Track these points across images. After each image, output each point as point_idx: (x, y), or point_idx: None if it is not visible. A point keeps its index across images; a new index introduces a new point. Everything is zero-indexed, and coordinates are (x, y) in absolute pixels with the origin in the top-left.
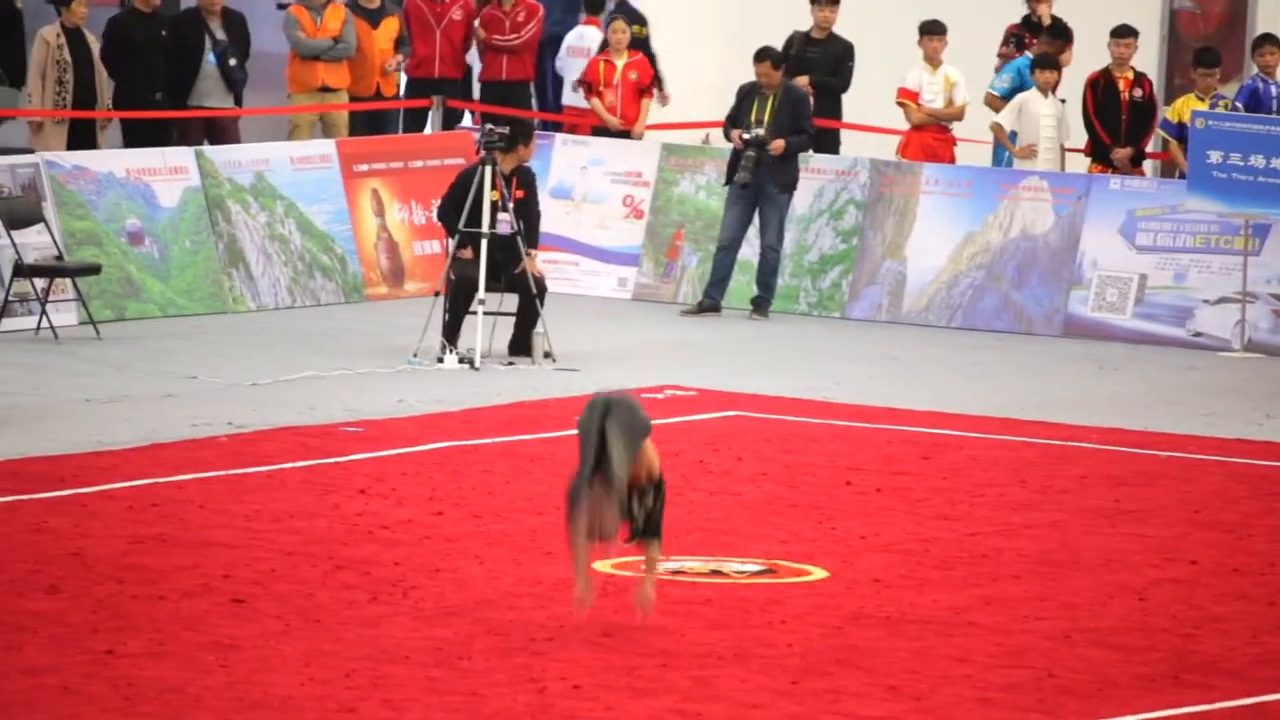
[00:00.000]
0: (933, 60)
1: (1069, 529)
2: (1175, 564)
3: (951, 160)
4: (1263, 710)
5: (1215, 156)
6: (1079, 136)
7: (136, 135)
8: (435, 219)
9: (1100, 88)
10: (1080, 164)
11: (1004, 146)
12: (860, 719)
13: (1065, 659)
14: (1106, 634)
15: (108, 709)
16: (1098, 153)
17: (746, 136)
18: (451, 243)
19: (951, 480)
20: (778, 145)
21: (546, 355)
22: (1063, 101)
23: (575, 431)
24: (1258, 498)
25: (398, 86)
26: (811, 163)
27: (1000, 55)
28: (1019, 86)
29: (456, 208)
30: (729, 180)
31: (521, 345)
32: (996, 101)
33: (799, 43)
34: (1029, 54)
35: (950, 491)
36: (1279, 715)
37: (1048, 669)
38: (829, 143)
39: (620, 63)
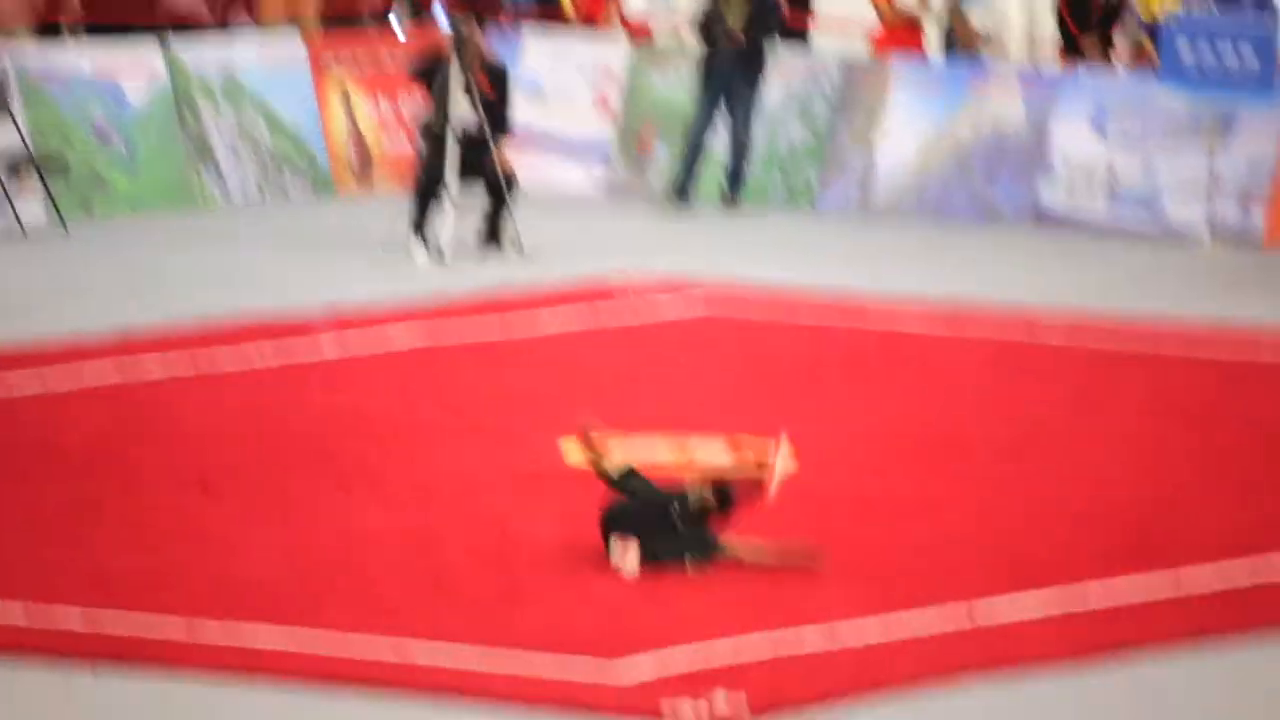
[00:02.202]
0: None
1: (1037, 417)
2: (1140, 452)
3: (920, 54)
4: (1228, 577)
5: (1185, 47)
6: (1047, 29)
7: (100, 28)
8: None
9: None
10: (1049, 57)
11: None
12: (826, 593)
13: (1031, 535)
14: (1073, 518)
15: (79, 594)
16: (1067, 45)
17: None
18: (419, 137)
19: (920, 370)
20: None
21: (516, 247)
22: None
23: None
24: (1223, 385)
25: None
26: (782, 57)
27: None
28: None
29: (425, 101)
30: (702, 73)
31: (491, 237)
32: None
33: None
34: None
35: (918, 381)
36: (1244, 585)
37: (1015, 548)
38: (799, 36)
39: None
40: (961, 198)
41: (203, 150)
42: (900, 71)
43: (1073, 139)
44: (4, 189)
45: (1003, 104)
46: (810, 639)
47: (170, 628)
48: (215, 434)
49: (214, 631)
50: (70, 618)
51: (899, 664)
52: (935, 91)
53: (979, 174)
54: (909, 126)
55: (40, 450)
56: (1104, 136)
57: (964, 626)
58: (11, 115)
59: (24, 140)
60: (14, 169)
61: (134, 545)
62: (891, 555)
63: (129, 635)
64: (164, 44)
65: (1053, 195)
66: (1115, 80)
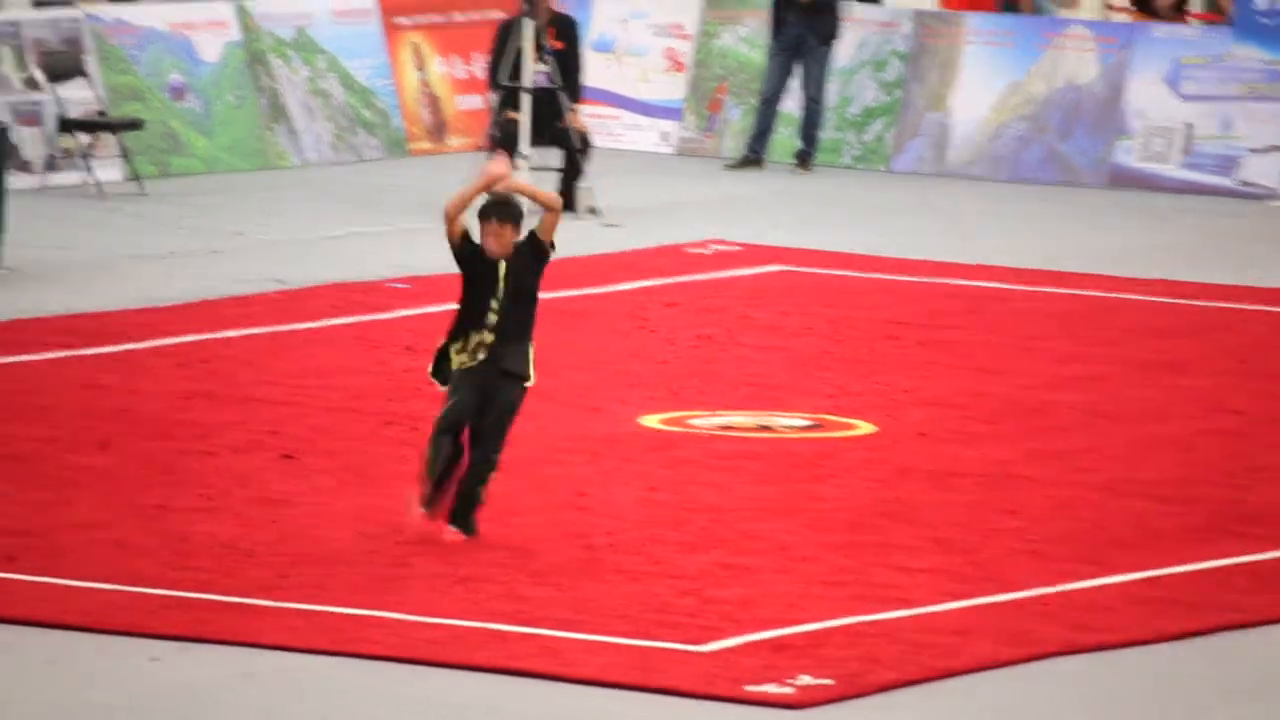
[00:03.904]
0: None
1: (1115, 381)
2: (1221, 414)
3: (993, 9)
4: None
5: (1261, 2)
6: None
7: None
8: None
9: None
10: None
11: None
12: (909, 572)
13: (1113, 511)
14: (1154, 485)
15: (160, 563)
16: (1141, 1)
17: None
18: (493, 97)
19: (997, 334)
20: None
21: (591, 210)
22: None
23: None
24: None
25: None
26: (854, 14)
27: None
28: None
29: (496, 63)
30: (773, 33)
31: (566, 200)
32: None
33: None
34: None
35: (996, 345)
36: None
37: (1096, 521)
38: None
39: None
40: (1036, 156)
41: (276, 108)
42: (973, 26)
43: (1148, 96)
44: (81, 148)
45: (1077, 60)
46: (895, 619)
47: (250, 596)
48: (294, 399)
49: (294, 601)
50: (152, 586)
51: (984, 643)
52: (1008, 46)
53: (1053, 132)
54: (982, 83)
55: (119, 415)
56: (1179, 93)
57: (1049, 605)
58: (87, 75)
59: (99, 100)
60: (91, 129)
61: (214, 512)
62: (974, 529)
63: (210, 602)
64: (237, 0)
65: (1128, 153)
66: (1190, 36)
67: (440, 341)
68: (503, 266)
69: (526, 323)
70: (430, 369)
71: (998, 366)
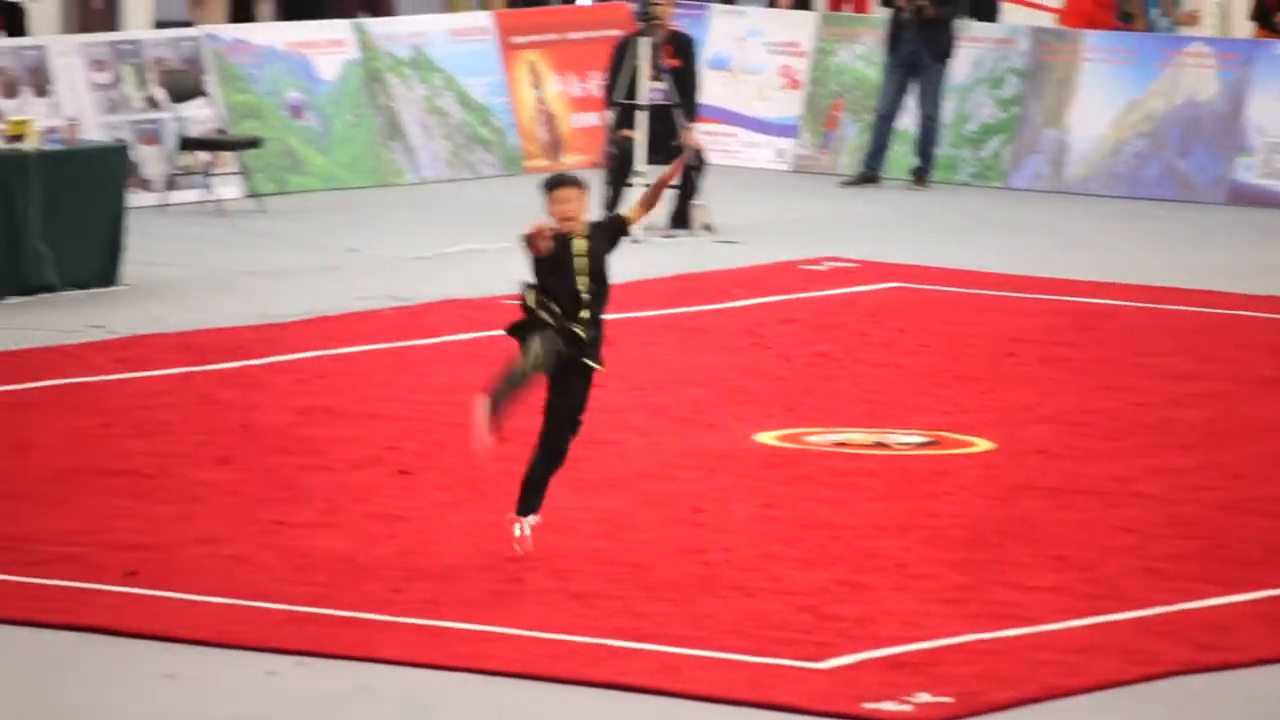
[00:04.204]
0: None
1: (1234, 398)
2: None
3: (1112, 26)
4: None
5: None
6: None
7: (293, 7)
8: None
9: None
10: (1245, 29)
11: (1165, 11)
12: (1027, 589)
13: (1234, 529)
14: (1275, 502)
15: (279, 578)
16: (1262, 17)
17: None
18: (608, 115)
19: (1115, 350)
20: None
21: (706, 227)
22: None
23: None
24: None
25: None
26: (971, 31)
27: None
28: None
29: (613, 80)
30: (888, 50)
31: (681, 217)
32: None
33: None
34: None
35: (1114, 361)
36: None
37: (1216, 538)
38: (987, 11)
39: None
40: (1154, 173)
41: (393, 126)
42: (1092, 44)
43: (1268, 113)
44: (200, 166)
45: (1197, 77)
46: (1014, 637)
47: (367, 611)
48: (411, 415)
49: (410, 616)
50: (270, 600)
51: (1105, 662)
52: (1127, 64)
53: (1172, 149)
54: (1101, 100)
55: (239, 431)
56: None
57: (1171, 624)
58: (207, 94)
59: (219, 118)
60: (210, 147)
61: (332, 527)
62: (1093, 546)
63: (327, 616)
64: (355, 20)
65: (1248, 170)
66: None
67: (523, 312)
68: (581, 245)
69: (604, 305)
70: (510, 326)
71: (1115, 383)
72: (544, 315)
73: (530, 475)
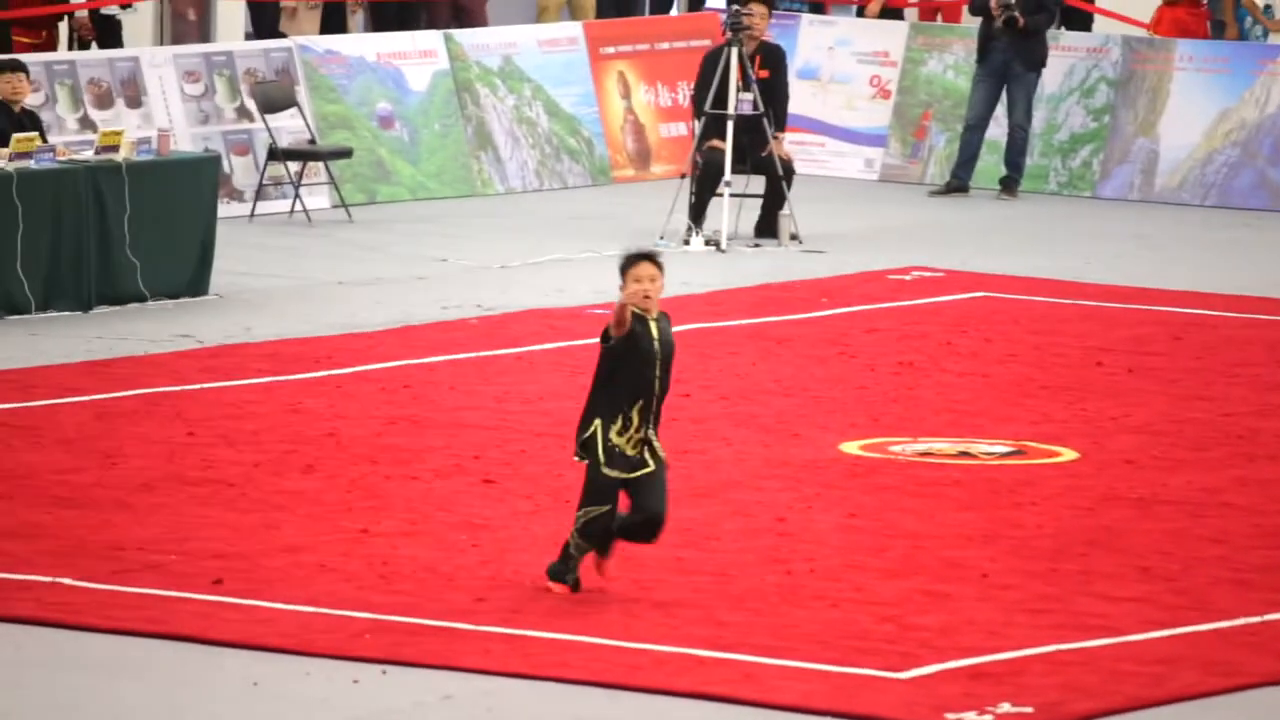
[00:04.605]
0: None
1: None
2: None
3: (1204, 35)
4: None
5: None
6: None
7: (384, 19)
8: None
9: None
10: None
11: (1257, 20)
12: (1112, 600)
13: None
14: None
15: (364, 587)
16: None
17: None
18: (696, 125)
19: (1205, 360)
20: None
21: (793, 237)
22: None
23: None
24: None
25: None
26: (1062, 40)
27: None
28: None
29: (702, 91)
30: (979, 59)
31: (768, 227)
32: None
33: None
34: None
35: (1204, 372)
36: None
37: None
38: (1080, 20)
39: None
40: (1246, 182)
41: (482, 136)
42: (1184, 53)
43: None
44: (290, 176)
45: None
46: (1098, 647)
47: (450, 620)
48: (496, 424)
49: (493, 625)
50: (354, 609)
51: (1189, 673)
52: (1219, 72)
53: (1264, 158)
54: (1193, 109)
55: (325, 440)
56: None
57: (1255, 635)
58: (297, 104)
59: (309, 127)
60: (300, 157)
61: (416, 536)
62: (1179, 557)
63: (411, 625)
64: (445, 30)
65: None
66: None
67: (588, 420)
68: (654, 328)
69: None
70: (578, 448)
71: (1204, 393)
72: (616, 439)
73: (629, 538)
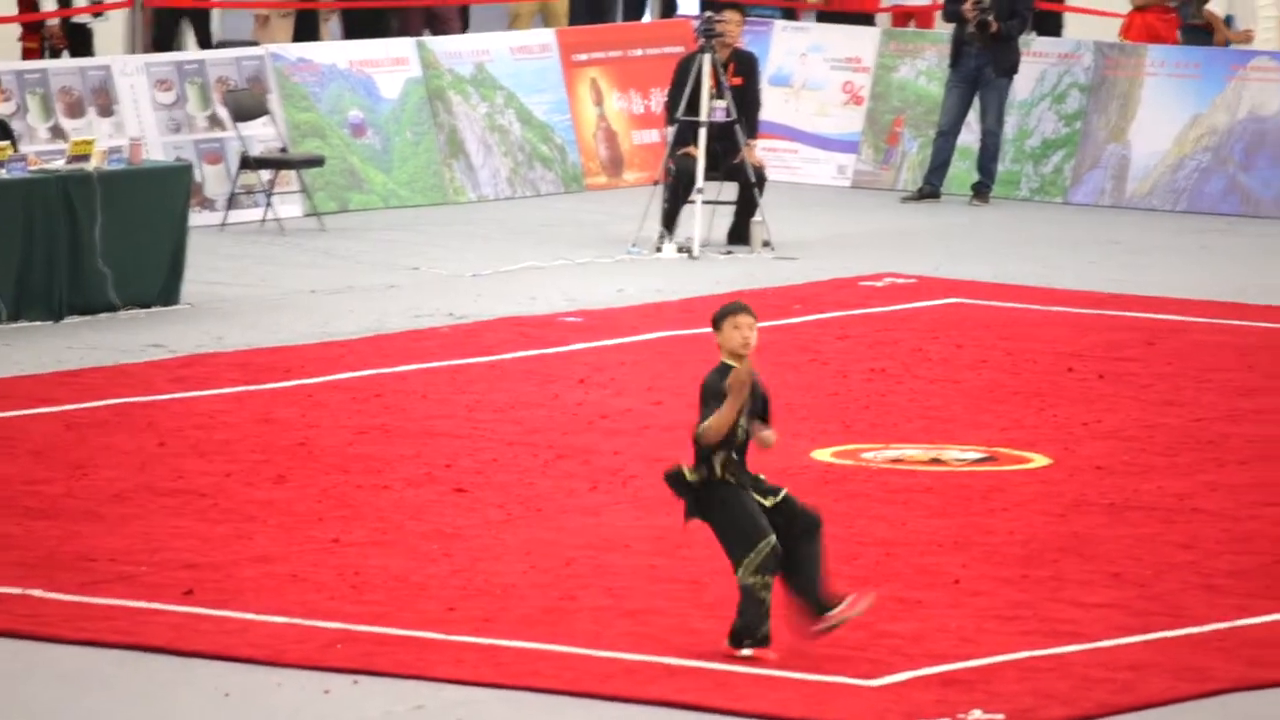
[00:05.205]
0: None
1: None
2: None
3: (1174, 41)
4: None
5: None
6: None
7: (356, 26)
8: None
9: None
10: None
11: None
12: (1084, 606)
13: None
14: None
15: (336, 597)
16: None
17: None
18: (669, 131)
19: (1176, 366)
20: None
21: (765, 244)
22: None
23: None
24: None
25: None
26: (1034, 46)
27: None
28: None
29: (675, 98)
30: (952, 64)
31: (740, 234)
32: None
33: None
34: None
35: (1175, 377)
36: None
37: (1276, 555)
38: (1051, 25)
39: None
40: (1217, 188)
41: (454, 144)
42: (1155, 58)
43: None
44: (262, 185)
45: (1260, 91)
46: (1069, 653)
47: (422, 629)
48: (467, 432)
49: (465, 634)
50: (326, 619)
51: (1159, 679)
52: (1190, 78)
53: (1235, 163)
54: (1163, 115)
55: (296, 449)
56: None
57: (1225, 640)
58: (270, 113)
59: (281, 136)
60: (272, 166)
61: (388, 545)
62: (1150, 563)
63: (382, 635)
64: (417, 37)
65: None
66: None
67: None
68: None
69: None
70: (689, 508)
71: (1175, 399)
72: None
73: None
